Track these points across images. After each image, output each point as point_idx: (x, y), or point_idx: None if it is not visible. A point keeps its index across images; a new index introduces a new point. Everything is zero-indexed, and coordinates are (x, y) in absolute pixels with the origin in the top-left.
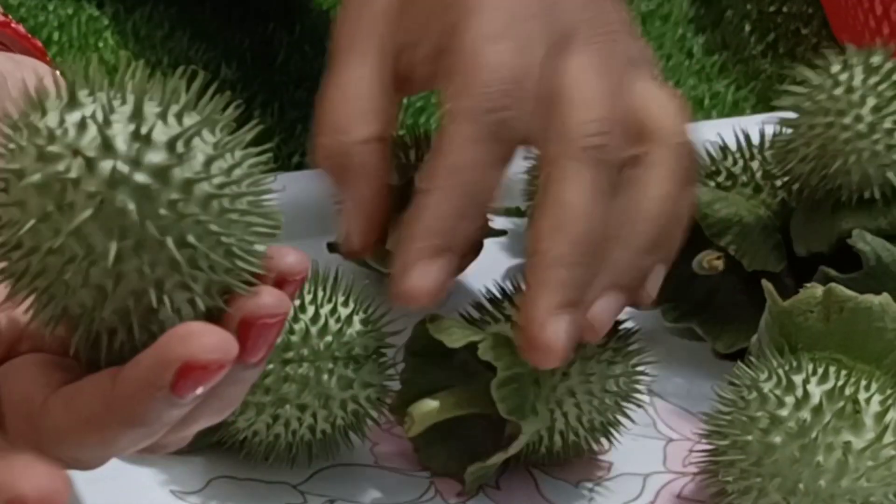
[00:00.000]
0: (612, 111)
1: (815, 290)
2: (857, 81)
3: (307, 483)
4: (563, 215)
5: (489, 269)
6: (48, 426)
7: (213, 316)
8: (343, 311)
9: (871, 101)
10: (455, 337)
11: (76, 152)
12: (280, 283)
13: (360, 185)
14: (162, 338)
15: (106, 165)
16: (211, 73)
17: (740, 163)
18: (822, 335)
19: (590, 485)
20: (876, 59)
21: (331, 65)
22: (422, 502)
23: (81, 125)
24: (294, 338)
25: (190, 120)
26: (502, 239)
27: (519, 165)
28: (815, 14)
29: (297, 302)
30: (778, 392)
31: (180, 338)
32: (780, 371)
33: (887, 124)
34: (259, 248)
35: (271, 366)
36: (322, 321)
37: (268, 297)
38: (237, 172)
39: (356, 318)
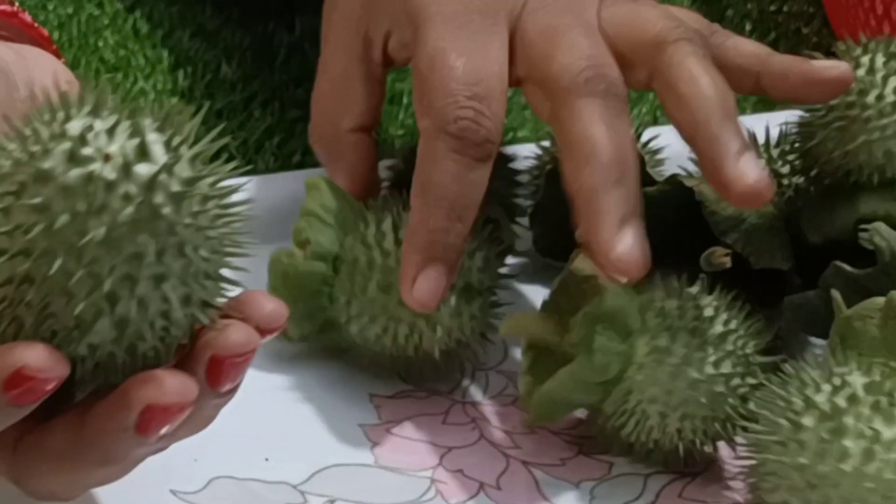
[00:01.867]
0: (592, 49)
1: (878, 299)
2: (878, 64)
3: (307, 483)
4: (589, 147)
5: None
6: (22, 464)
7: (186, 342)
8: (468, 246)
9: (893, 82)
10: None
11: (108, 157)
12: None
13: (351, 167)
14: (124, 382)
15: (143, 169)
16: (211, 73)
17: None
18: (878, 341)
19: (590, 485)
20: (895, 48)
21: (322, 52)
22: (422, 502)
23: (111, 131)
24: None
25: (196, 144)
26: None
27: (519, 164)
28: (815, 14)
29: None
30: (818, 378)
31: (142, 381)
32: (823, 360)
33: None
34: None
35: (395, 282)
36: None
37: (237, 335)
38: (228, 200)
39: (479, 255)
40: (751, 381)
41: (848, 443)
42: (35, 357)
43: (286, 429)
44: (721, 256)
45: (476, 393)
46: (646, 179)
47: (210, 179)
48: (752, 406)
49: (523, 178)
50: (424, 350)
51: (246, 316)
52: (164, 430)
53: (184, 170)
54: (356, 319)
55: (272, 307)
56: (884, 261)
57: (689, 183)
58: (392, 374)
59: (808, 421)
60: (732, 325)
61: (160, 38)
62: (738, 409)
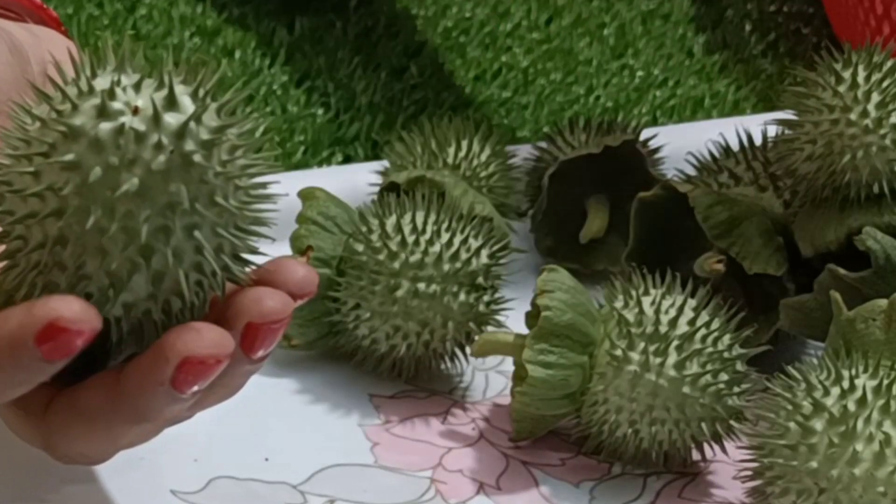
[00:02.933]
0: None
1: (880, 301)
2: (860, 78)
3: (307, 483)
4: None
5: None
6: (54, 425)
7: (210, 300)
8: (473, 244)
9: (875, 97)
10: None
11: (136, 109)
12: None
13: None
14: (162, 336)
15: (172, 118)
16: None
17: (743, 163)
18: (881, 343)
19: (590, 485)
20: (877, 58)
21: None
22: (422, 502)
23: (137, 85)
24: (428, 259)
25: (220, 97)
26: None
27: (519, 164)
28: (815, 14)
29: (434, 227)
30: (826, 381)
31: (179, 334)
32: (829, 363)
33: (894, 119)
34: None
35: (403, 281)
36: (455, 248)
37: (273, 301)
38: (255, 156)
39: (484, 252)
40: (725, 377)
41: (859, 446)
42: (68, 308)
43: (286, 429)
44: (714, 263)
45: (476, 393)
46: (645, 179)
47: (236, 129)
48: (731, 402)
49: (521, 178)
50: (434, 348)
51: (278, 282)
52: (197, 386)
53: (211, 119)
54: (366, 322)
55: (304, 272)
56: (878, 264)
57: (682, 188)
58: (392, 374)
59: (817, 425)
60: (700, 322)
61: (159, 39)
62: (713, 408)
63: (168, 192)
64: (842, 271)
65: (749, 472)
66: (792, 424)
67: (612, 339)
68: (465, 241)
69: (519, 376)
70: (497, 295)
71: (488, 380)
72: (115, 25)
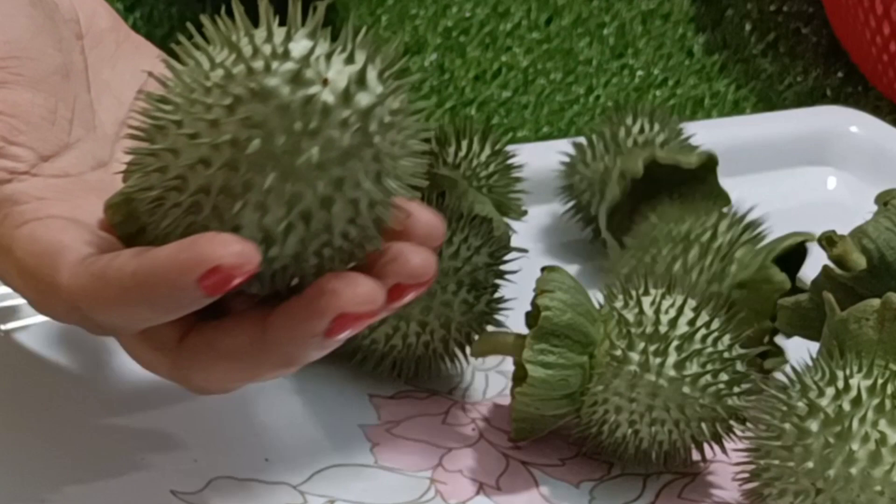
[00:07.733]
0: None
1: (873, 301)
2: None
3: (307, 483)
4: None
5: None
6: (192, 362)
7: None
8: (473, 243)
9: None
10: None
11: (326, 81)
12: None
13: None
14: (317, 287)
15: (363, 98)
16: None
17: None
18: (875, 343)
19: (590, 485)
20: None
21: None
22: (422, 502)
23: (329, 57)
24: None
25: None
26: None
27: (520, 165)
28: (815, 13)
29: None
30: (820, 382)
31: (335, 288)
32: (824, 363)
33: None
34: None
35: None
36: (455, 248)
37: (419, 259)
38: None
39: (484, 251)
40: (725, 377)
41: (854, 446)
42: (230, 250)
43: (286, 429)
44: None
45: (476, 393)
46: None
47: (408, 111)
48: (731, 402)
49: (521, 178)
50: (434, 348)
51: (407, 229)
52: (349, 334)
53: (393, 101)
54: None
55: (429, 217)
56: (872, 263)
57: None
58: (392, 375)
59: (813, 425)
60: (700, 322)
61: (159, 39)
62: (713, 408)
63: (345, 166)
64: (837, 270)
65: (746, 474)
66: (787, 426)
67: (612, 339)
68: (465, 240)
69: (519, 376)
70: (497, 295)
71: (488, 380)
72: None
